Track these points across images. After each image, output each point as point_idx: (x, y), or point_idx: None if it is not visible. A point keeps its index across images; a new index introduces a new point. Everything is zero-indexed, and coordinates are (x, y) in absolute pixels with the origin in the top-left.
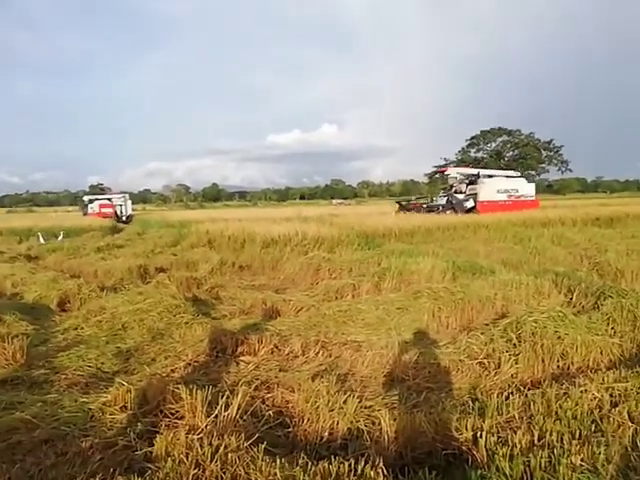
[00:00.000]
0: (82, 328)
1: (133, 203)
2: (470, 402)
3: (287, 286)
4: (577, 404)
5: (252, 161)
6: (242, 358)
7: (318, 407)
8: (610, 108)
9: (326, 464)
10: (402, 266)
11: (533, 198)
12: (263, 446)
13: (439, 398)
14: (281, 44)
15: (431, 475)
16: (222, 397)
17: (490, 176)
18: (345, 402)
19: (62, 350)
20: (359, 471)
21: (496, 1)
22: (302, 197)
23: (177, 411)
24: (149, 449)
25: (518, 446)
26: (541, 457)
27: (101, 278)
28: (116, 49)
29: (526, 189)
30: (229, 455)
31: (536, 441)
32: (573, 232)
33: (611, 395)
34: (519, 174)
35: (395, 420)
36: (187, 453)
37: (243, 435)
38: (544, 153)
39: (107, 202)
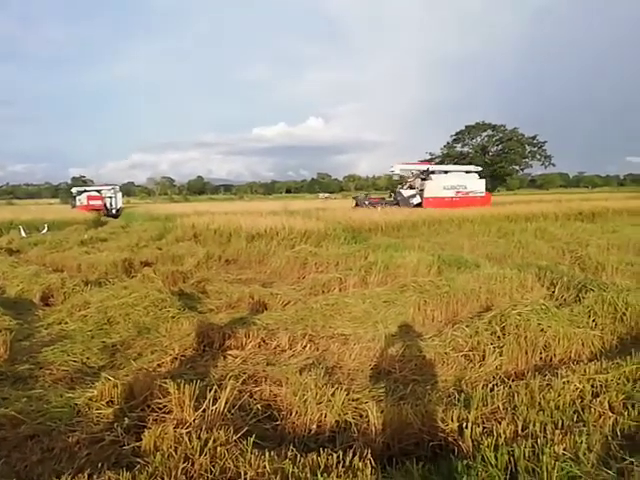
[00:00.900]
0: (66, 323)
1: None
2: (456, 394)
3: (274, 280)
4: (559, 395)
5: (238, 154)
6: (229, 352)
7: (306, 400)
8: (593, 106)
9: (314, 456)
10: (388, 260)
11: (483, 194)
12: (252, 439)
13: (425, 390)
14: (268, 38)
15: (418, 466)
16: (210, 391)
17: (446, 172)
18: (333, 395)
19: (46, 345)
20: (347, 463)
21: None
22: (288, 191)
23: (165, 405)
24: (137, 444)
25: (502, 436)
26: (525, 447)
27: (85, 272)
28: (100, 39)
29: (476, 185)
30: (218, 449)
31: (520, 431)
32: (556, 227)
33: (592, 386)
34: (479, 169)
35: (382, 412)
36: (176, 447)
37: (232, 429)
38: (528, 148)
39: (95, 194)
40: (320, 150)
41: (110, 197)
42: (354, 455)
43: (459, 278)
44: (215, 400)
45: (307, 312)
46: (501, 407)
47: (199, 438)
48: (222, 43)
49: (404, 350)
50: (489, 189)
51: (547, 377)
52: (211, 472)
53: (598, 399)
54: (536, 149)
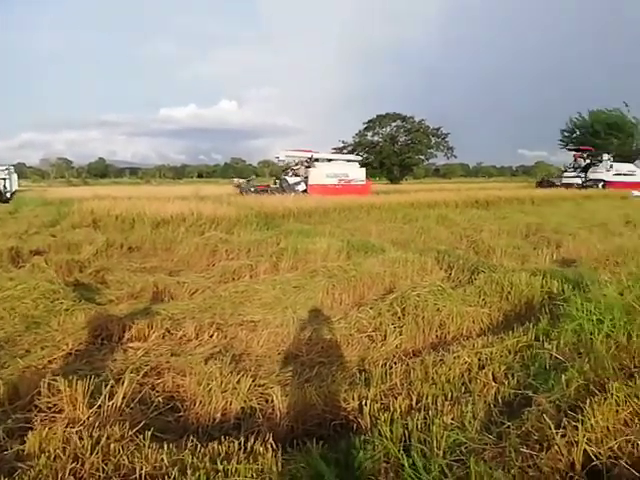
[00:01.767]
0: None
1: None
2: (358, 373)
3: (181, 268)
4: (450, 369)
5: (144, 135)
6: (130, 344)
7: (211, 389)
8: (490, 103)
9: (216, 445)
10: (300, 246)
11: (363, 183)
12: (149, 433)
13: (330, 371)
14: (177, 12)
15: (319, 445)
16: (106, 386)
17: (329, 160)
18: (238, 382)
19: None
20: (248, 448)
21: None
22: (200, 175)
23: (55, 404)
24: (21, 447)
25: (398, 410)
26: (417, 419)
27: None
28: None
29: (357, 174)
30: (111, 445)
31: (414, 405)
32: (455, 213)
33: (479, 359)
34: (359, 159)
35: (287, 396)
36: (64, 447)
37: (128, 424)
38: (433, 139)
39: None
40: (234, 134)
41: (4, 179)
42: (255, 440)
43: (366, 262)
44: (112, 395)
45: (215, 300)
46: (398, 383)
47: (91, 436)
48: (127, 13)
49: (311, 334)
50: (397, 178)
51: (440, 353)
52: (103, 470)
53: (483, 371)
54: (440, 140)
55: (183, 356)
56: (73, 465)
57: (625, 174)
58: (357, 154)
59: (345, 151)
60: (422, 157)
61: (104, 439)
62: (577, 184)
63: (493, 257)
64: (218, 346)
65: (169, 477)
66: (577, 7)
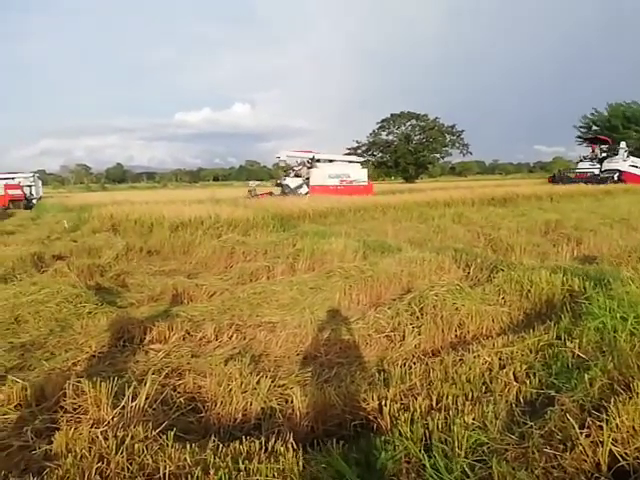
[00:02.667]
0: None
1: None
2: (377, 373)
3: (199, 270)
4: (470, 369)
5: (160, 140)
6: (151, 346)
7: (231, 390)
8: (505, 99)
9: (237, 444)
10: (316, 247)
11: (366, 183)
12: (172, 433)
13: (349, 372)
14: (190, 18)
15: (339, 445)
16: (129, 387)
17: (331, 160)
18: (258, 383)
19: None
20: (269, 448)
21: None
22: (216, 179)
23: (80, 405)
24: (48, 447)
25: (418, 411)
26: (438, 419)
27: None
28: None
29: (359, 175)
30: (136, 445)
31: (434, 405)
32: (472, 211)
33: (500, 358)
34: (361, 160)
35: (307, 396)
36: (90, 447)
37: (151, 424)
38: (447, 137)
39: (14, 183)
40: (248, 137)
41: (30, 185)
42: (277, 440)
43: (382, 262)
44: (135, 396)
45: (234, 302)
46: (418, 383)
47: (115, 436)
48: (143, 22)
49: (329, 334)
50: (412, 176)
51: (460, 353)
52: (128, 470)
53: (504, 370)
54: (455, 138)
55: (203, 357)
56: (99, 465)
57: None
58: (372, 154)
59: (359, 151)
60: (437, 155)
61: (128, 439)
62: (593, 174)
63: (512, 255)
64: (237, 347)
65: (192, 476)
66: (596, 1)
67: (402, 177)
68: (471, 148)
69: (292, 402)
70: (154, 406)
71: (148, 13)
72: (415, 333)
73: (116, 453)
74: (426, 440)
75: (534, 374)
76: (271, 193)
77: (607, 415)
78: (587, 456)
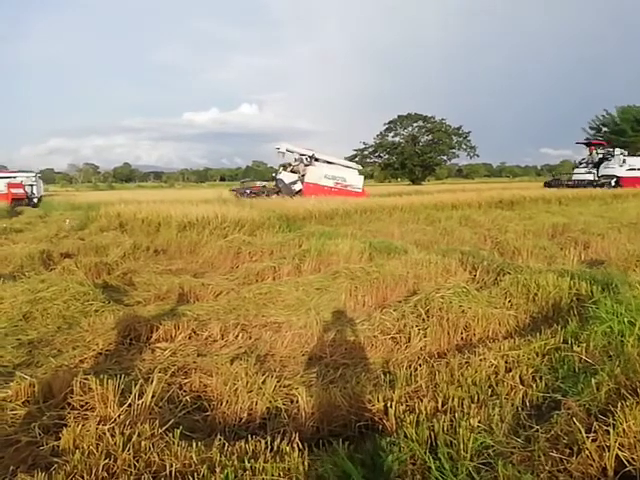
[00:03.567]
0: None
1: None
2: (382, 375)
3: (206, 270)
4: (476, 371)
5: (167, 140)
6: (158, 345)
7: (237, 389)
8: (511, 102)
9: (243, 443)
10: (322, 248)
11: (360, 190)
12: (179, 431)
13: (354, 373)
14: (199, 19)
15: (344, 445)
16: (136, 385)
17: (330, 162)
18: (264, 382)
19: None
20: (275, 448)
21: None
22: (222, 179)
23: (87, 402)
24: (56, 443)
25: (424, 412)
26: (444, 421)
27: None
28: (13, 6)
29: (354, 180)
30: (142, 443)
31: (440, 407)
32: (478, 214)
33: (506, 362)
34: (360, 167)
35: (312, 396)
36: (97, 444)
37: (158, 422)
38: (454, 139)
39: (16, 182)
40: (255, 137)
41: (32, 185)
42: (282, 440)
43: (389, 264)
44: (141, 394)
45: (240, 301)
46: (423, 385)
47: (122, 434)
48: (150, 22)
49: (335, 335)
50: (419, 178)
51: (466, 355)
52: (135, 467)
53: (510, 374)
54: (462, 139)
55: (209, 356)
56: (106, 461)
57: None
58: (378, 155)
59: (366, 152)
60: (444, 157)
61: (135, 436)
62: (588, 181)
63: (519, 258)
64: (243, 347)
65: (198, 475)
66: (603, 2)
67: (408, 179)
68: (478, 150)
69: (297, 402)
70: (160, 404)
71: (158, 14)
72: (421, 335)
73: (123, 450)
74: (432, 442)
75: (540, 378)
76: (264, 187)
77: (614, 420)
78: (593, 461)
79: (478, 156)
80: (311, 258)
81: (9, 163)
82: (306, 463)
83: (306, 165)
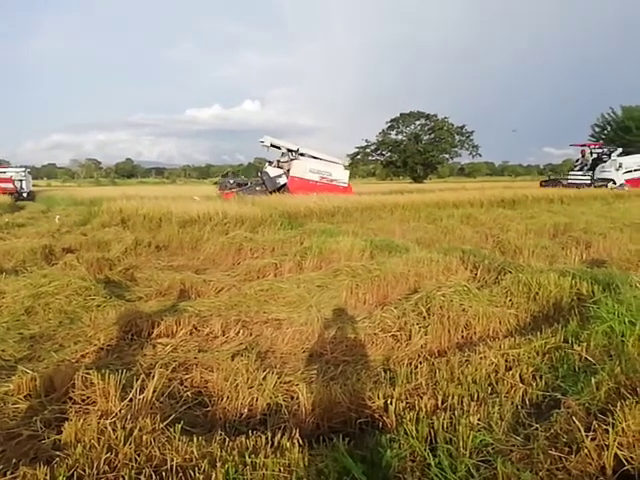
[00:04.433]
0: None
1: (36, 178)
2: (383, 372)
3: (207, 266)
4: (476, 369)
5: (169, 136)
6: (159, 340)
7: (237, 385)
8: (514, 101)
9: (243, 439)
10: (323, 245)
11: (346, 185)
12: (180, 426)
13: (355, 370)
14: (203, 16)
15: (344, 442)
16: (137, 380)
17: (315, 157)
18: (264, 379)
19: None
20: (275, 443)
21: None
22: (225, 176)
23: (88, 397)
24: (57, 437)
25: (424, 410)
26: (444, 419)
27: None
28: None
29: (340, 175)
30: (144, 437)
31: (440, 404)
32: (480, 213)
33: (506, 360)
34: (345, 163)
35: (312, 393)
36: (99, 438)
37: (159, 417)
38: (457, 137)
39: (5, 177)
40: (257, 134)
41: (20, 180)
42: (283, 435)
43: (390, 262)
44: (142, 389)
45: (241, 298)
46: (423, 383)
47: (124, 428)
48: (154, 20)
49: (336, 332)
50: (421, 177)
51: (466, 353)
52: (136, 461)
53: (510, 372)
54: (464, 138)
55: (210, 352)
56: (107, 455)
57: (637, 169)
58: (380, 153)
59: (368, 150)
60: (446, 156)
61: (136, 431)
62: (584, 184)
63: (520, 257)
64: (244, 343)
65: (199, 469)
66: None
67: (410, 177)
68: (480, 149)
69: (298, 399)
70: (161, 399)
71: (163, 11)
72: (421, 333)
73: (124, 444)
74: (431, 439)
75: (540, 376)
76: (247, 184)
77: (613, 419)
78: (592, 459)
79: (480, 155)
80: (312, 255)
81: (12, 158)
82: (306, 459)
83: (292, 159)
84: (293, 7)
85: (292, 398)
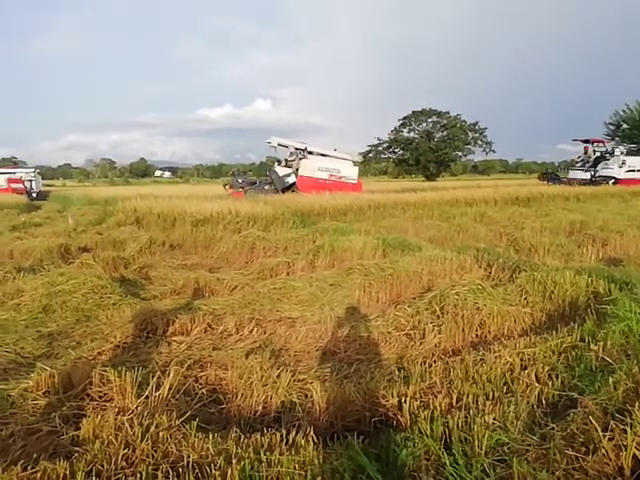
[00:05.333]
0: None
1: (51, 178)
2: (396, 371)
3: (221, 265)
4: (491, 368)
5: (182, 136)
6: (174, 338)
7: (252, 383)
8: (528, 98)
9: (258, 436)
10: (335, 244)
11: (355, 181)
12: (195, 423)
13: (368, 368)
14: (214, 15)
15: (359, 440)
16: (153, 377)
17: (324, 155)
18: (278, 376)
19: None
20: (290, 441)
21: None
22: (233, 175)
23: (105, 394)
24: (76, 433)
25: (438, 409)
26: (458, 418)
27: (17, 259)
28: (32, 4)
29: (349, 172)
30: (160, 434)
31: (454, 403)
32: (494, 211)
33: (521, 359)
34: (354, 159)
35: (326, 391)
36: (116, 434)
37: (175, 414)
38: (470, 135)
39: (16, 177)
40: (268, 133)
41: (30, 180)
42: (297, 433)
43: (403, 260)
44: (158, 386)
45: (254, 296)
46: (438, 382)
47: (141, 424)
48: (167, 19)
49: (349, 331)
50: (433, 174)
51: (481, 352)
52: (153, 457)
53: (526, 371)
54: (478, 135)
55: (224, 350)
56: (125, 451)
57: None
58: (393, 151)
59: (380, 148)
60: (459, 153)
61: (153, 427)
62: (584, 180)
63: (535, 255)
64: (258, 341)
65: (215, 465)
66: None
67: (423, 175)
68: (494, 146)
69: (312, 397)
70: (177, 396)
71: (175, 11)
72: (435, 332)
73: (142, 440)
74: (446, 438)
75: (556, 376)
76: (256, 182)
77: (631, 419)
78: (610, 459)
79: (494, 152)
80: (325, 254)
81: (28, 158)
82: (321, 456)
83: (300, 159)
84: (302, 7)
85: (306, 396)
